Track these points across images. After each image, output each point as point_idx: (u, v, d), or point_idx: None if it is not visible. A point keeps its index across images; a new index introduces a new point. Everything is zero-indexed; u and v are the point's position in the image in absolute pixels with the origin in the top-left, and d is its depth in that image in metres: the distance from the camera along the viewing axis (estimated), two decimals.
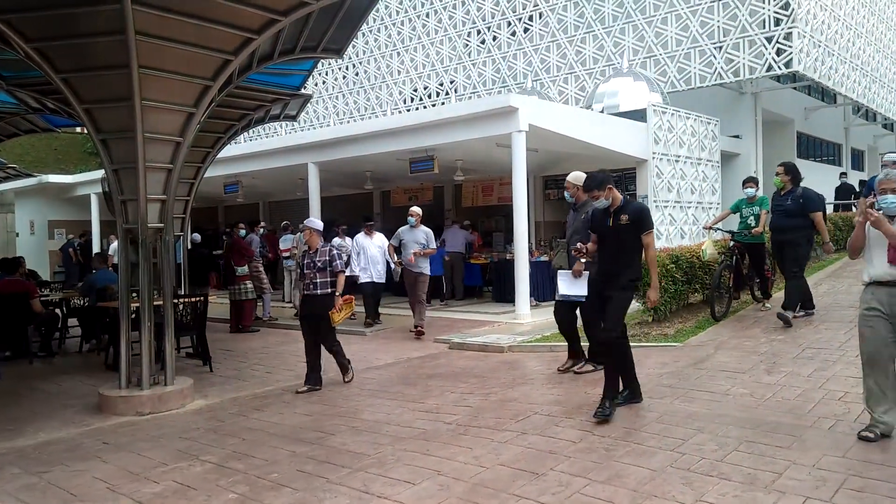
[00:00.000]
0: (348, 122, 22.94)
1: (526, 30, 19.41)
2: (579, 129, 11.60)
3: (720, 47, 15.45)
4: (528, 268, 10.64)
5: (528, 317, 10.25)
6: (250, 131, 16.42)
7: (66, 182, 20.14)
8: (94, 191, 18.59)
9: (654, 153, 12.80)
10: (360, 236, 11.00)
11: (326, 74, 25.13)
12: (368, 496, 3.91)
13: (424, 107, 21.23)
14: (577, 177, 6.41)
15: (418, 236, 9.70)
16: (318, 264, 6.81)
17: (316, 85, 24.69)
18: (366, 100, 24.20)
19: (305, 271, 6.88)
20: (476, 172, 15.04)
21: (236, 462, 4.71)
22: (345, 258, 8.56)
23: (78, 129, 22.71)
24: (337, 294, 6.83)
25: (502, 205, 15.33)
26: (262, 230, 14.02)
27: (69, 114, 9.35)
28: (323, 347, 6.94)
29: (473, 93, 20.66)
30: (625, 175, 13.72)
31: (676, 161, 13.43)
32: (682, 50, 16.01)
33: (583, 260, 5.83)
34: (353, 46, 22.61)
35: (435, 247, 9.97)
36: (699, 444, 4.36)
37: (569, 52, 18.25)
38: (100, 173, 15.45)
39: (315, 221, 7.07)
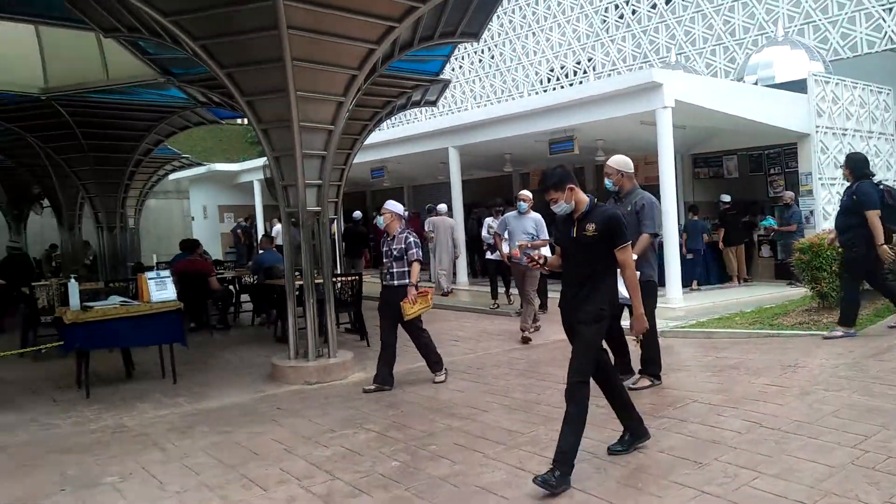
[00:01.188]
0: (486, 105, 23.03)
1: (668, 1, 18.46)
2: (731, 103, 10.93)
3: (890, 9, 13.86)
4: (678, 250, 10.26)
5: (679, 301, 9.89)
6: (392, 118, 17.03)
7: (231, 170, 21.95)
8: (256, 177, 20.12)
9: (817, 127, 11.79)
10: (491, 220, 11.05)
11: (463, 59, 25.35)
12: (525, 473, 3.97)
13: (562, 87, 20.86)
14: (619, 161, 5.61)
15: (526, 225, 8.42)
16: (395, 252, 6.29)
17: (453, 70, 24.98)
18: (502, 82, 24.16)
19: (384, 259, 6.45)
20: (619, 152, 14.61)
21: (396, 432, 4.96)
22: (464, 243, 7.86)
23: (239, 121, 24.58)
24: (411, 285, 6.27)
25: (648, 185, 14.76)
26: (406, 213, 14.52)
27: (232, 106, 10.15)
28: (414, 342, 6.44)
29: (613, 70, 19.99)
30: (784, 151, 12.76)
31: (843, 135, 12.28)
32: (846, 14, 14.53)
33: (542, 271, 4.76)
34: (489, 29, 22.58)
35: (547, 237, 8.42)
36: (884, 441, 4.02)
37: (716, 22, 17.15)
38: (261, 161, 16.67)
39: (394, 204, 6.53)
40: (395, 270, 6.29)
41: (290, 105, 6.56)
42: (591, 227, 3.87)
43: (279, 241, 13.86)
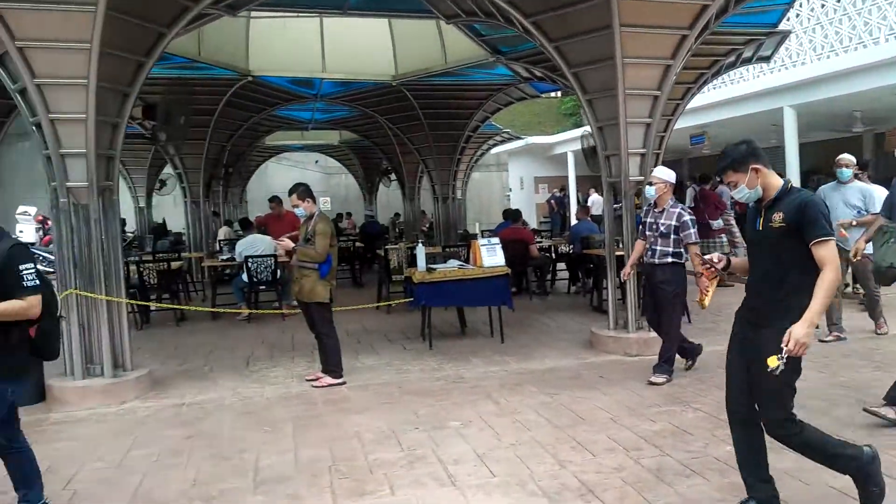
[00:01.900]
0: (828, 56, 20.01)
1: None
2: None
3: None
4: None
5: None
6: (716, 78, 15.84)
7: (546, 142, 22.75)
8: (570, 149, 20.53)
9: None
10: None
11: (800, 6, 22.26)
12: (891, 480, 3.42)
13: None
14: None
15: (849, 196, 6.75)
16: (661, 228, 5.55)
17: (788, 20, 22.11)
18: (851, 28, 20.64)
19: (647, 232, 5.73)
20: None
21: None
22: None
23: (552, 94, 25.24)
24: (699, 273, 5.61)
25: None
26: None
27: (553, 79, 10.40)
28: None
29: None
30: None
31: None
32: None
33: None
34: None
35: (876, 211, 6.08)
36: None
37: None
38: (575, 133, 16.93)
39: (666, 171, 5.68)
40: (657, 248, 5.59)
41: (617, 73, 6.49)
42: (777, 216, 3.01)
43: (595, 212, 13.97)
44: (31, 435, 4.89)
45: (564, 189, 21.55)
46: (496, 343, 7.43)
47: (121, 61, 5.68)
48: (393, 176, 19.61)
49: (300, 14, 9.48)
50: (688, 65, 9.64)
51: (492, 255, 7.40)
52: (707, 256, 3.43)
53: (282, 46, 10.76)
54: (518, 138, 20.70)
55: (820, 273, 2.92)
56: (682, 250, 5.58)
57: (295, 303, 9.74)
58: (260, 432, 4.85)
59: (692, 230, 5.53)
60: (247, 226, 10.55)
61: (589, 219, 11.25)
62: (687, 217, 5.55)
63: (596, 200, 15.17)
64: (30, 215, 20.56)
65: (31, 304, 3.19)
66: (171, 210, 21.70)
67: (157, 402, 5.68)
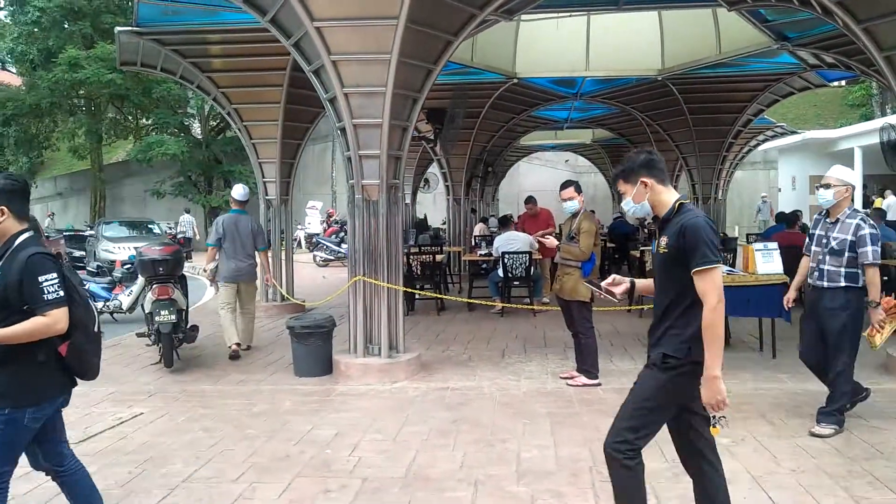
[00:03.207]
0: None
1: None
2: None
3: None
4: None
5: None
6: None
7: (828, 137, 20.21)
8: (857, 144, 18.05)
9: None
10: None
11: None
12: None
13: None
14: None
15: None
16: (834, 244, 4.58)
17: None
18: None
19: (814, 247, 4.76)
20: None
21: None
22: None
23: (833, 84, 22.39)
24: (875, 302, 4.51)
25: None
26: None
27: (847, 66, 9.22)
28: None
29: None
30: None
31: None
32: None
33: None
34: None
35: None
36: None
37: None
38: (867, 125, 14.82)
39: (845, 171, 4.70)
40: (825, 267, 4.63)
41: None
42: (663, 240, 2.78)
43: (891, 216, 12.15)
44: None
45: None
46: (766, 358, 6.81)
47: (413, 69, 6.21)
48: None
49: (572, 14, 9.51)
50: None
51: (768, 262, 6.78)
52: (607, 280, 3.10)
53: (547, 47, 10.91)
54: (793, 133, 18.67)
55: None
56: (858, 271, 4.58)
57: (545, 300, 9.96)
58: (519, 423, 5.00)
59: (870, 247, 4.50)
60: (505, 223, 10.93)
61: (884, 224, 9.73)
62: (867, 231, 4.54)
63: (893, 203, 13.08)
64: (317, 209, 23.71)
65: (55, 320, 2.76)
66: (430, 206, 23.43)
67: (425, 384, 6.13)
